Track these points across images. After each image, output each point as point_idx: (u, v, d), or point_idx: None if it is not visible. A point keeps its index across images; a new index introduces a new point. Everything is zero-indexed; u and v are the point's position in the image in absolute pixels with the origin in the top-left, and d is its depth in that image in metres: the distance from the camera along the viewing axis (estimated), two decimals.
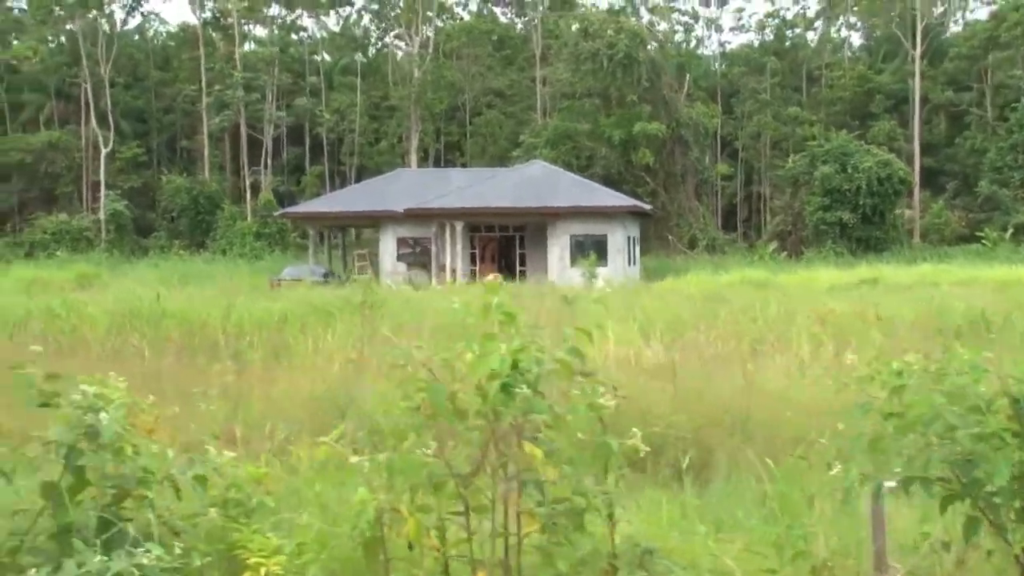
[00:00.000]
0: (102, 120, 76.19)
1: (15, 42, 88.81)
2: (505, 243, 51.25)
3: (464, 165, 74.06)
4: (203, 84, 75.84)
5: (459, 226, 49.05)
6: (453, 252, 49.25)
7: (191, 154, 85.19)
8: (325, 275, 46.14)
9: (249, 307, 20.52)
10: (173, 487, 4.46)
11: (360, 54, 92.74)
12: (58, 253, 65.52)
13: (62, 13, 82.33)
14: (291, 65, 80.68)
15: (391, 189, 53.64)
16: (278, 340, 15.65)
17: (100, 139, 74.86)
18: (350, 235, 61.69)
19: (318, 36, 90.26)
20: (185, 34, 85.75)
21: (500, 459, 4.28)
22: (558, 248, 48.56)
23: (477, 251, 50.93)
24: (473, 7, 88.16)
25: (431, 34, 76.31)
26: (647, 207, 51.57)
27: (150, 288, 31.83)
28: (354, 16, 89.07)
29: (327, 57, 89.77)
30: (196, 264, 56.18)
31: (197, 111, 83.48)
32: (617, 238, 48.28)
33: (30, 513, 4.25)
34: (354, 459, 4.54)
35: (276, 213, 56.73)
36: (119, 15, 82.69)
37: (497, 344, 4.08)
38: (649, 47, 64.13)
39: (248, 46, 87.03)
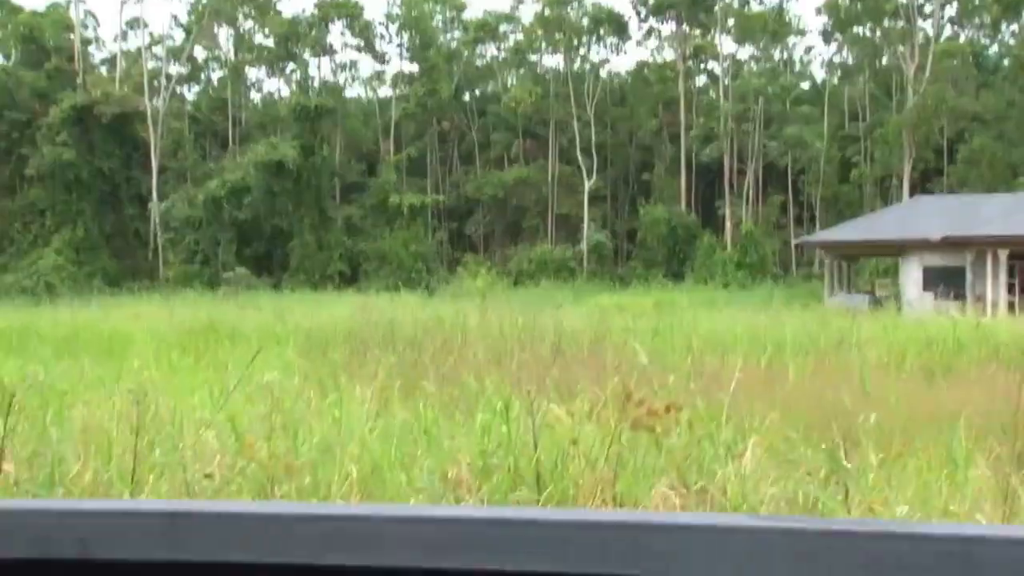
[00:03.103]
0: (578, 155, 79.06)
1: (486, 86, 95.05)
2: None
3: (948, 193, 70.05)
4: (682, 117, 76.70)
5: (1003, 255, 46.06)
6: (994, 282, 46.30)
7: (647, 186, 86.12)
8: (873, 302, 44.61)
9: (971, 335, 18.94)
10: None
11: (809, 82, 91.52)
12: (543, 282, 68.26)
13: (535, 58, 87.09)
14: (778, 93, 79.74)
15: (912, 217, 51.44)
16: None
17: (583, 172, 77.60)
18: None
19: (768, 65, 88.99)
20: (651, 70, 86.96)
21: None
22: None
23: (1017, 281, 47.59)
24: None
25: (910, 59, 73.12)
26: None
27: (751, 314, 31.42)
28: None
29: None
30: (731, 292, 56.91)
31: (656, 144, 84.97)
32: None
33: None
34: None
35: (795, 241, 55.82)
36: (594, 56, 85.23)
37: None
38: None
39: (700, 80, 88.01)
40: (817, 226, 76.94)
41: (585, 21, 79.53)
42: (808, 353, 15.88)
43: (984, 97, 76.09)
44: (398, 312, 24.50)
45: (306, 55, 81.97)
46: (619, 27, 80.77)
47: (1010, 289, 47.26)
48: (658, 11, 79.02)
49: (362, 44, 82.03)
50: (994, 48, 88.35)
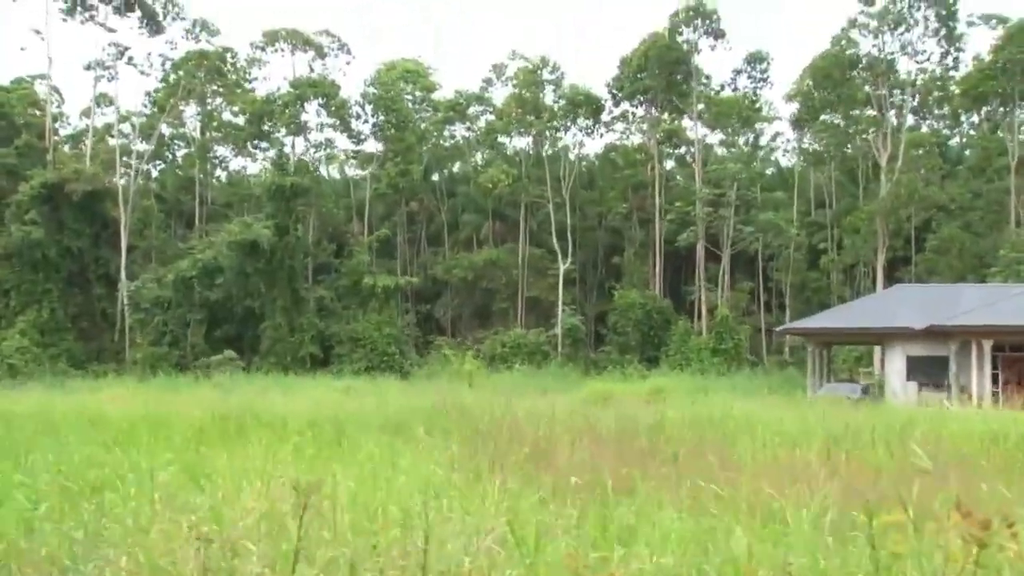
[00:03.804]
0: (551, 237, 79.26)
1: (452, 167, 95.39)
2: None
3: (916, 281, 70.63)
4: (657, 200, 77.28)
5: (987, 345, 46.31)
6: (979, 373, 46.52)
7: (616, 269, 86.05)
8: (864, 392, 44.54)
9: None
10: None
11: (775, 169, 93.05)
12: (516, 366, 67.67)
13: (505, 139, 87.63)
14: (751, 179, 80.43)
15: (893, 306, 51.72)
16: None
17: (559, 254, 77.72)
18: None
19: (738, 151, 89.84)
20: (619, 154, 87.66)
21: None
22: None
23: (1000, 372, 47.80)
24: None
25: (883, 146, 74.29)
26: None
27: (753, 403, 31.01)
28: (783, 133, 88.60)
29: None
30: (710, 379, 56.44)
31: (624, 228, 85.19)
32: None
33: None
34: None
35: (779, 328, 55.90)
36: (569, 139, 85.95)
37: None
38: None
39: (668, 164, 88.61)
40: (787, 313, 77.39)
41: (561, 103, 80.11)
42: (877, 446, 15.59)
43: (948, 187, 77.43)
44: (420, 398, 23.77)
45: (281, 134, 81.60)
46: (596, 110, 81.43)
47: (994, 380, 47.44)
48: (632, 95, 79.77)
49: (337, 123, 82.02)
50: (954, 140, 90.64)
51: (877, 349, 64.71)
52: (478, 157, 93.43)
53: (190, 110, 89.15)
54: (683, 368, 66.37)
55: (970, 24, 75.76)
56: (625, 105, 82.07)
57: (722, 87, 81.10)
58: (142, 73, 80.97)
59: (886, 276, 72.30)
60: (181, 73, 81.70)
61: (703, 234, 74.66)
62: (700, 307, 74.94)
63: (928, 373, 48.77)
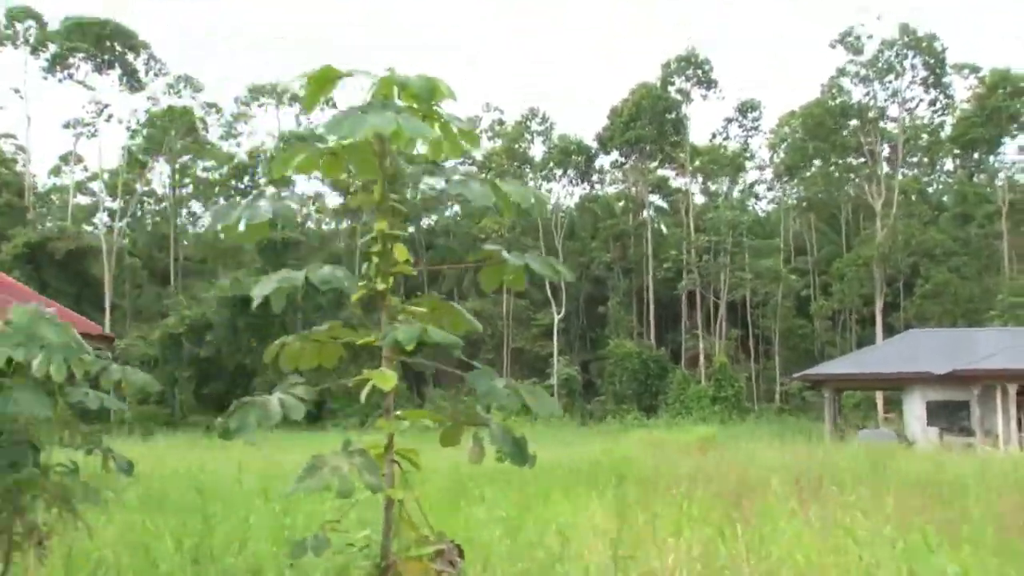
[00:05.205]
0: (546, 288, 78.65)
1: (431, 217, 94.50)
2: None
3: (908, 327, 70.74)
4: (649, 250, 76.99)
5: (1012, 389, 46.23)
6: (1005, 416, 46.38)
7: (601, 318, 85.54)
8: (899, 438, 44.18)
9: None
10: None
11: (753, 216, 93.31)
12: (512, 418, 66.46)
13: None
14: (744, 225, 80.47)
15: (909, 351, 51.61)
16: None
17: (552, 304, 77.06)
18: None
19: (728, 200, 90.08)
20: (600, 204, 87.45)
21: None
22: None
23: (1022, 416, 47.77)
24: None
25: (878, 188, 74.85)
26: None
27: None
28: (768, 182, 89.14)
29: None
30: (728, 427, 55.97)
31: (608, 277, 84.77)
32: None
33: None
34: None
35: (794, 376, 55.27)
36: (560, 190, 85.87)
37: None
38: None
39: (651, 212, 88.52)
40: (776, 360, 77.28)
41: (553, 152, 79.96)
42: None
43: (933, 233, 77.93)
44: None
45: (265, 187, 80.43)
46: (588, 160, 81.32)
47: (1020, 424, 47.36)
48: (622, 146, 79.63)
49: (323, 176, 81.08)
50: (931, 187, 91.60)
51: (879, 395, 64.83)
52: (455, 208, 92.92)
53: (162, 167, 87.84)
54: (684, 417, 65.78)
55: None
56: (615, 155, 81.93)
57: (713, 136, 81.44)
58: (129, 131, 79.69)
59: (875, 323, 72.45)
60: (152, 130, 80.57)
61: (699, 283, 74.49)
62: (699, 355, 74.53)
63: (949, 418, 48.62)
